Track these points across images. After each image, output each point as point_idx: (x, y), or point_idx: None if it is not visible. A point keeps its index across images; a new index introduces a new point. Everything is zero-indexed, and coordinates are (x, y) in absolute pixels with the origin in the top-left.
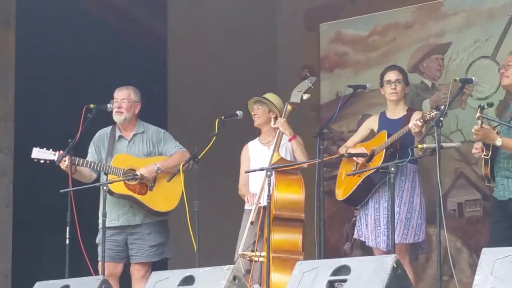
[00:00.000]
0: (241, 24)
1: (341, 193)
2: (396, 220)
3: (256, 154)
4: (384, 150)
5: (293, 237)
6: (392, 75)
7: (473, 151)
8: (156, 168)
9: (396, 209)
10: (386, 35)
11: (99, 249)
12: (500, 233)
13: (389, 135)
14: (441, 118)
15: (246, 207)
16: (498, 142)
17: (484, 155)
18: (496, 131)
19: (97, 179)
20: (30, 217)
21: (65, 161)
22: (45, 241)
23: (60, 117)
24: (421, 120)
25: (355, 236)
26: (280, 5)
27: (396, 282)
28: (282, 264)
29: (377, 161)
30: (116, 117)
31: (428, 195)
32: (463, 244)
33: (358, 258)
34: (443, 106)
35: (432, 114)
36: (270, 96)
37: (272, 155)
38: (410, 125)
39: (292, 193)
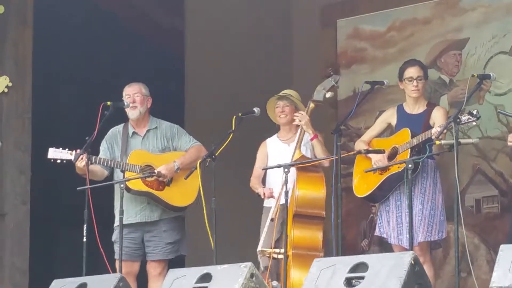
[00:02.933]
0: (258, 20)
1: (362, 190)
2: (420, 218)
3: (276, 151)
4: (409, 149)
5: (313, 234)
6: (413, 71)
7: (510, 139)
8: (176, 168)
9: (420, 206)
10: (403, 30)
11: (115, 247)
12: None
13: (412, 133)
14: (474, 123)
15: (265, 204)
16: None
17: None
18: None
19: (110, 177)
20: (48, 215)
21: (82, 159)
22: (62, 238)
23: (77, 115)
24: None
25: (377, 233)
26: (296, 1)
27: (414, 279)
28: (302, 260)
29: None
30: (131, 113)
31: (446, 191)
32: (481, 241)
33: (375, 255)
34: (476, 111)
35: (464, 118)
36: (291, 92)
37: (294, 152)
38: (433, 131)
39: (313, 190)
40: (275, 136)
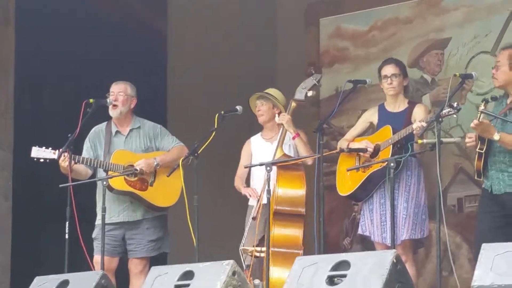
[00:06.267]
0: (241, 18)
1: (344, 189)
2: (404, 216)
3: (259, 150)
4: (391, 146)
5: (293, 232)
6: (388, 70)
7: (467, 140)
8: (155, 163)
9: (404, 204)
10: (386, 30)
11: (95, 244)
12: (491, 221)
13: (394, 130)
14: (455, 116)
15: (250, 203)
16: (496, 136)
17: (479, 149)
18: None
19: (93, 176)
20: (30, 211)
21: (65, 157)
22: (44, 235)
23: (60, 112)
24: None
25: (359, 231)
26: (280, 0)
27: (396, 278)
28: (283, 259)
29: (384, 157)
30: (112, 112)
31: (428, 190)
32: (463, 240)
33: (357, 253)
34: (456, 103)
35: (444, 111)
36: (272, 91)
37: (276, 151)
38: (415, 126)
39: (293, 188)
40: (258, 135)
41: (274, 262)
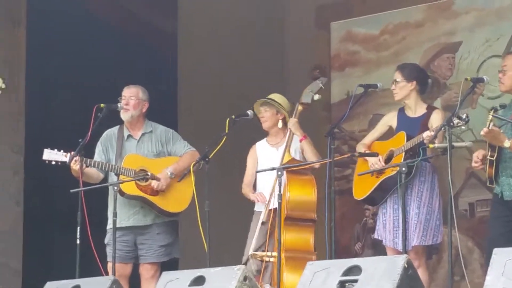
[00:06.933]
0: (252, 22)
1: (359, 192)
2: (415, 222)
3: (265, 155)
4: (404, 152)
5: (305, 237)
6: (394, 75)
7: (473, 164)
8: (169, 174)
9: (416, 210)
10: (397, 34)
11: (108, 250)
12: (502, 226)
13: (408, 137)
14: (463, 127)
15: (256, 208)
16: (507, 143)
17: (490, 156)
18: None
19: (105, 180)
20: (41, 216)
21: (76, 161)
22: (56, 240)
23: (71, 116)
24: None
25: (375, 236)
26: (290, 3)
27: (407, 283)
28: (296, 264)
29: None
30: (123, 115)
31: (440, 195)
32: (475, 244)
33: (369, 258)
34: (465, 115)
35: (454, 122)
36: (276, 96)
37: (283, 155)
38: (425, 135)
39: (305, 193)
40: (264, 140)
41: (287, 267)
